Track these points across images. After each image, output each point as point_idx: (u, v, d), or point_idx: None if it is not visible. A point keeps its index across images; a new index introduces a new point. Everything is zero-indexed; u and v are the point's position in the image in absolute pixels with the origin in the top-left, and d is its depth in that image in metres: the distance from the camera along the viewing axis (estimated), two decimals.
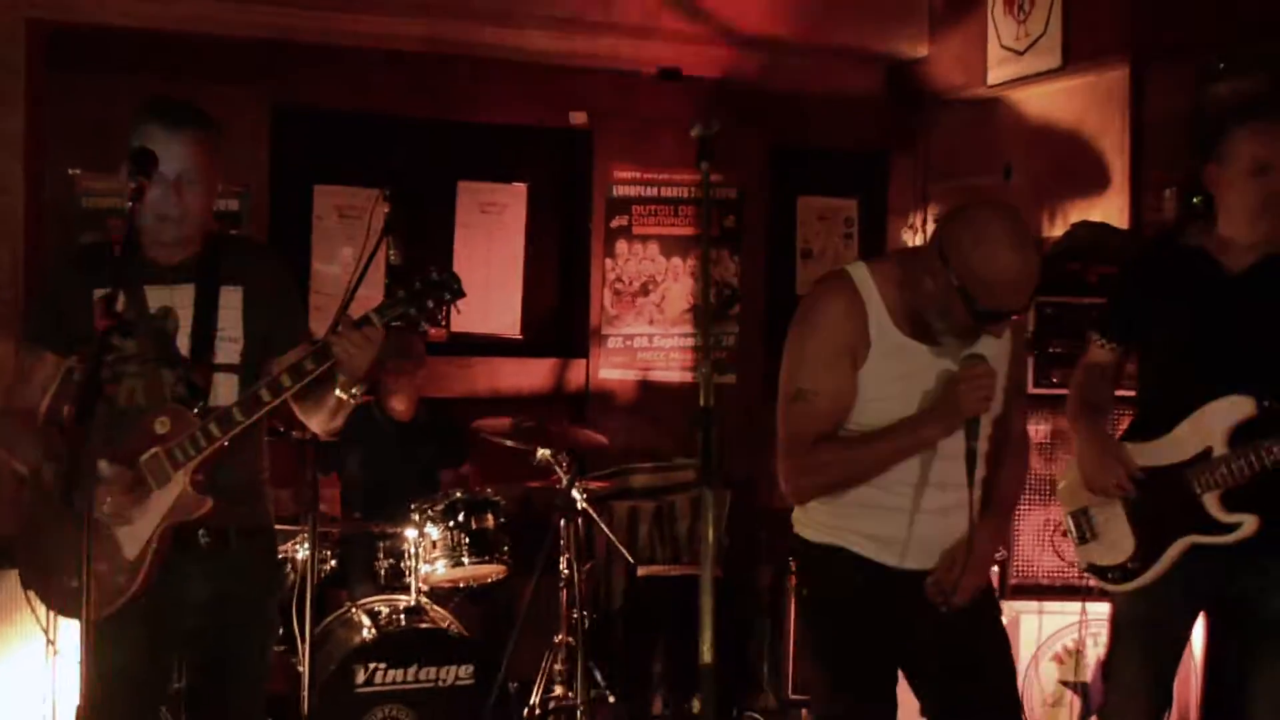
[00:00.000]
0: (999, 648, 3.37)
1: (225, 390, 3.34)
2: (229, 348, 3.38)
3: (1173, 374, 3.70)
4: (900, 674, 3.33)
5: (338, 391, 3.32)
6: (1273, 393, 3.46)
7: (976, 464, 3.05)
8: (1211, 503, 3.53)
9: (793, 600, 4.92)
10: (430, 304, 3.21)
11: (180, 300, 3.35)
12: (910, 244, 7.38)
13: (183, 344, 3.34)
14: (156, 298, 3.33)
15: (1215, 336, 3.54)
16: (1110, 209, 6.05)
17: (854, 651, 3.26)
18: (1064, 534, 4.06)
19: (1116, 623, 3.85)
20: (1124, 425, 4.00)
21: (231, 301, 3.39)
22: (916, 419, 3.06)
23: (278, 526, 4.80)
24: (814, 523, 3.29)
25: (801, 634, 3.51)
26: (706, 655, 2.55)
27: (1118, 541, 3.73)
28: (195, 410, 3.27)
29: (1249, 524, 3.48)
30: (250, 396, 3.25)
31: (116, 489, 3.20)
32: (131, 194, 3.11)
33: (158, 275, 3.35)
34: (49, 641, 2.95)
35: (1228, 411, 3.51)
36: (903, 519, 3.17)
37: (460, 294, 3.26)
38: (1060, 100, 6.50)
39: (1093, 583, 5.29)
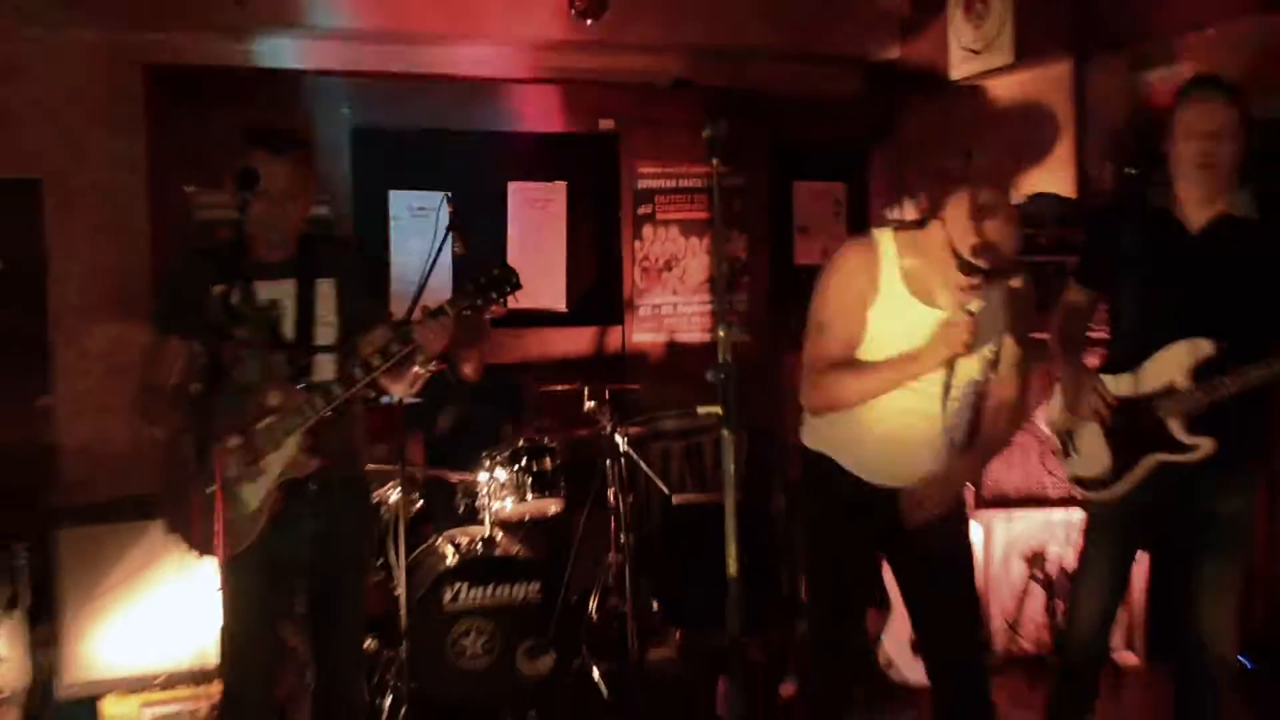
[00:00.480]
0: (964, 563, 3.43)
1: (325, 367, 3.42)
2: (326, 331, 3.45)
3: (1142, 317, 3.68)
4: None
5: (417, 367, 3.42)
6: (1227, 335, 3.46)
7: (950, 398, 3.14)
8: (1176, 427, 3.56)
9: None
10: (494, 295, 3.30)
11: (284, 293, 3.41)
12: (889, 217, 7.44)
13: (288, 330, 3.41)
14: (265, 291, 3.39)
15: (1178, 286, 3.54)
16: (1058, 181, 6.07)
17: (837, 554, 3.36)
18: (1053, 451, 4.03)
19: (1090, 523, 3.88)
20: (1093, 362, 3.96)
21: (326, 292, 3.46)
22: (910, 354, 3.12)
23: (374, 470, 4.99)
24: (813, 435, 3.39)
25: (798, 535, 3.56)
26: (732, 568, 2.63)
27: (1097, 457, 3.75)
28: (301, 386, 3.35)
29: (1207, 445, 3.52)
30: (346, 375, 3.33)
31: (241, 460, 3.31)
32: (238, 206, 3.23)
33: (265, 272, 3.41)
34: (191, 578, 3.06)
35: (1190, 351, 3.51)
36: (886, 447, 3.25)
37: (518, 286, 3.34)
38: (1014, 91, 6.51)
39: (1053, 494, 5.41)
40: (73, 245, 5.89)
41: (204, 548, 3.40)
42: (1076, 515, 4.20)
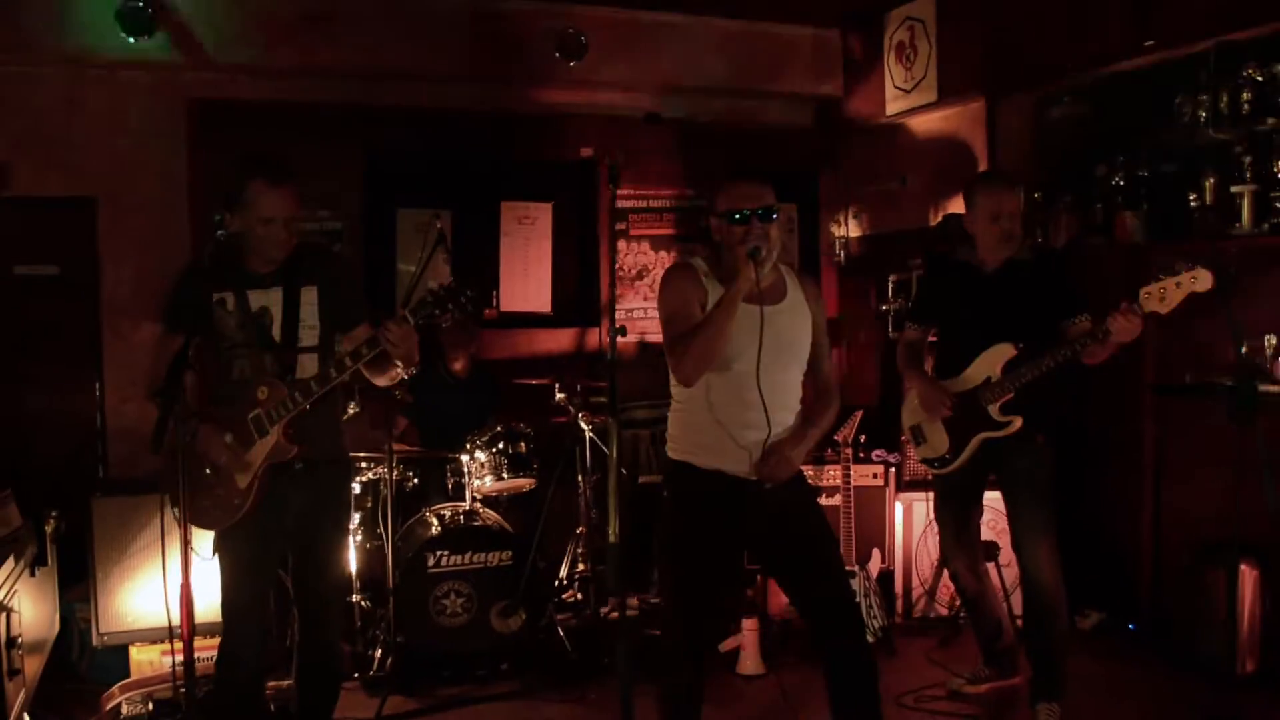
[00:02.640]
0: (820, 525, 3.39)
1: (308, 365, 3.44)
2: (309, 334, 3.46)
3: (958, 336, 4.24)
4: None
5: (397, 367, 3.45)
6: (1024, 341, 4.01)
7: (759, 259, 3.13)
8: (994, 411, 4.09)
9: None
10: (450, 305, 3.27)
11: (272, 300, 3.43)
12: (836, 234, 7.41)
13: (276, 333, 3.43)
14: (256, 299, 3.42)
15: (981, 312, 4.11)
16: None
17: (694, 554, 3.29)
18: (907, 442, 4.59)
19: (938, 492, 4.51)
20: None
21: (309, 298, 3.47)
22: (727, 295, 3.10)
23: (366, 455, 5.00)
24: (676, 446, 3.37)
25: (658, 537, 3.55)
26: (612, 535, 2.62)
27: (938, 442, 4.28)
28: (286, 381, 3.38)
29: (1016, 422, 4.07)
30: (324, 373, 3.36)
31: (232, 453, 3.35)
32: (219, 224, 3.35)
33: (256, 282, 3.43)
34: (190, 546, 3.07)
35: (999, 353, 4.06)
36: (725, 435, 3.22)
37: (469, 298, 3.29)
38: (938, 125, 6.51)
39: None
40: (122, 254, 5.91)
41: (200, 521, 3.42)
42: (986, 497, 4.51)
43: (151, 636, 4.63)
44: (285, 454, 3.38)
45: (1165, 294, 3.63)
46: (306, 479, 3.47)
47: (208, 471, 3.39)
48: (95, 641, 4.64)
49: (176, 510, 3.24)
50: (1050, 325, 4.03)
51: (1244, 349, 4.16)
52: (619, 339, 2.98)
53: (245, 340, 3.42)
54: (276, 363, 3.42)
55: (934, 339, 4.50)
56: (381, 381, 3.60)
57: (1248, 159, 4.64)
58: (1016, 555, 4.24)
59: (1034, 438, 4.09)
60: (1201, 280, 3.57)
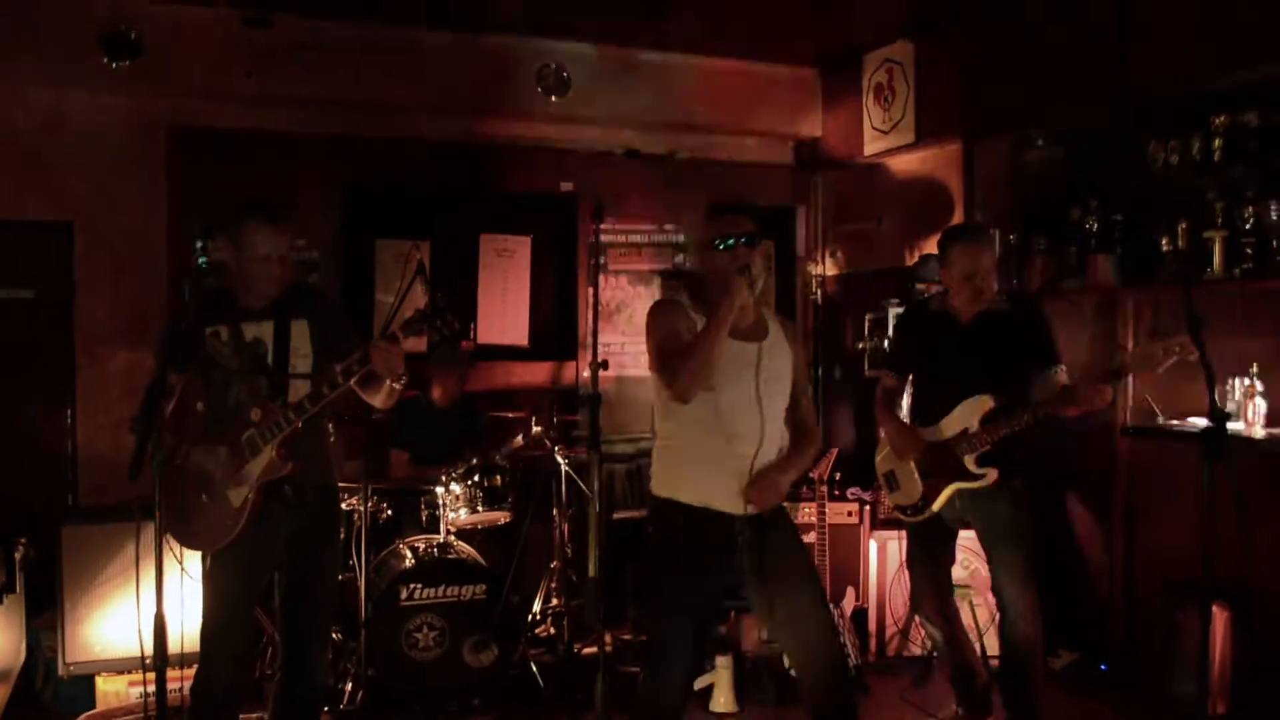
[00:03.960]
0: (801, 562, 3.42)
1: (300, 390, 3.49)
2: (302, 361, 3.54)
3: (934, 386, 4.26)
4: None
5: (390, 382, 3.49)
6: (996, 393, 4.04)
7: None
8: (970, 462, 4.09)
9: None
10: (439, 323, 3.33)
11: (265, 332, 3.53)
12: (813, 272, 7.47)
13: (269, 360, 3.51)
14: (250, 331, 3.52)
15: (956, 364, 4.14)
16: None
17: (677, 592, 3.33)
18: (878, 486, 4.55)
19: (910, 540, 4.49)
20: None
21: (300, 331, 3.56)
22: (719, 313, 3.19)
23: (344, 486, 4.98)
24: (661, 482, 3.40)
25: (640, 574, 3.56)
26: (592, 570, 2.64)
27: (911, 490, 4.28)
28: (279, 403, 3.44)
29: (991, 474, 4.08)
30: (315, 391, 3.41)
31: (228, 466, 3.39)
32: (202, 253, 3.40)
33: (250, 315, 3.54)
34: (182, 569, 3.06)
35: (978, 405, 4.07)
36: (715, 470, 3.27)
37: (453, 317, 3.36)
38: (915, 166, 6.57)
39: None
40: (98, 280, 5.87)
41: (190, 544, 3.48)
42: (960, 536, 4.49)
43: (119, 667, 4.58)
44: (279, 470, 3.42)
45: (1152, 357, 3.73)
46: (298, 504, 3.52)
47: (202, 496, 3.42)
48: (61, 671, 4.59)
49: (169, 535, 3.27)
50: (1026, 376, 4.07)
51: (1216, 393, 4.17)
52: (593, 372, 2.98)
53: (240, 367, 3.49)
54: (270, 387, 3.50)
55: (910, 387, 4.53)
56: (379, 401, 3.66)
57: (1219, 204, 4.72)
58: (995, 598, 4.24)
59: (1012, 481, 4.11)
60: (1188, 348, 3.56)
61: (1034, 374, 4.07)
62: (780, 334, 3.44)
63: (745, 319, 3.32)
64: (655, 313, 3.41)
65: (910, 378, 4.47)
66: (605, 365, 3.23)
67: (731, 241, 3.28)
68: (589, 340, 6.85)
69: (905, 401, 4.58)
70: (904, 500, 4.32)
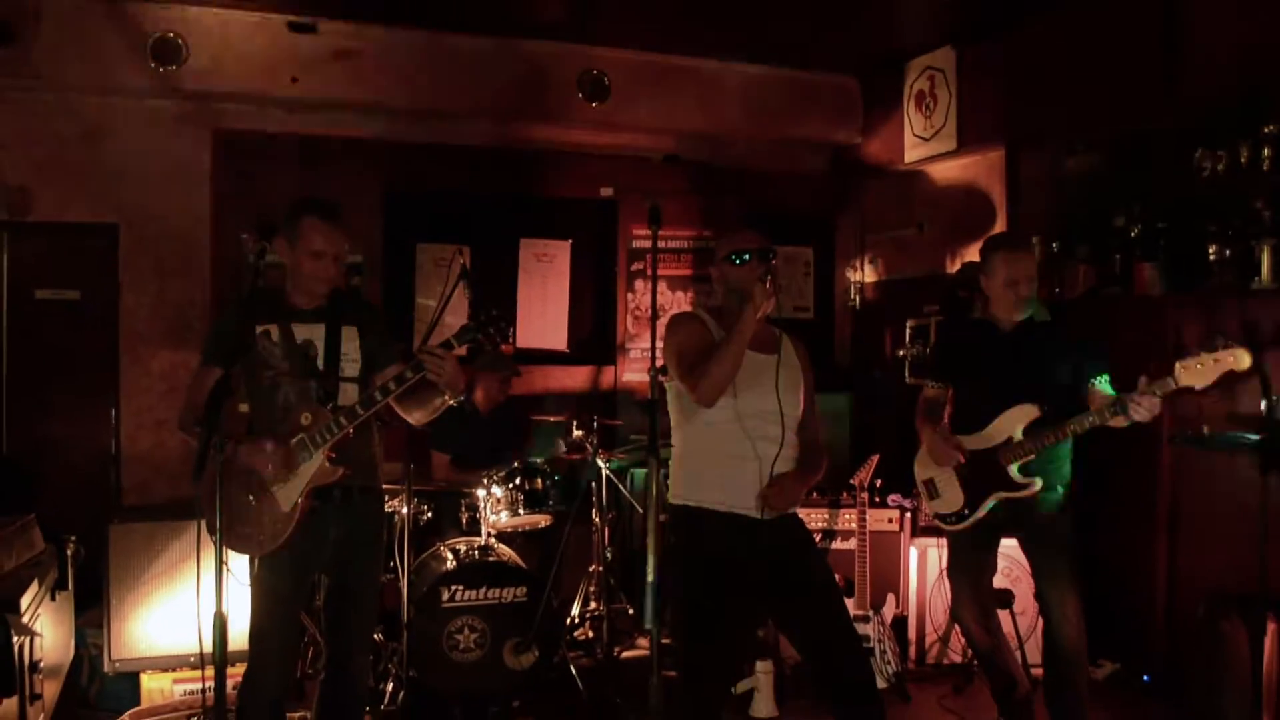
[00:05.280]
0: (820, 568, 3.47)
1: (349, 394, 3.51)
2: (350, 366, 3.55)
3: (976, 395, 4.19)
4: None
5: (446, 396, 3.52)
6: (1045, 403, 3.96)
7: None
8: (1013, 471, 4.01)
9: None
10: (492, 331, 3.38)
11: (315, 334, 3.53)
12: (852, 279, 7.47)
13: (320, 363, 3.51)
14: (300, 332, 3.52)
15: (999, 373, 4.06)
16: None
17: (705, 598, 3.33)
18: (916, 494, 4.51)
19: (951, 548, 4.41)
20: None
21: (350, 335, 3.57)
22: (741, 320, 3.23)
23: (387, 487, 5.00)
24: (681, 488, 3.42)
25: (670, 580, 3.56)
26: (650, 574, 2.64)
27: (952, 498, 4.20)
28: (329, 408, 3.45)
29: (1035, 484, 3.99)
30: (368, 396, 3.42)
31: (276, 460, 3.38)
32: (258, 253, 3.45)
33: (300, 317, 3.54)
34: (229, 571, 3.07)
35: (1022, 414, 3.99)
36: (736, 474, 3.32)
37: (510, 324, 3.45)
38: (956, 173, 6.56)
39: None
40: (142, 281, 5.95)
41: (238, 547, 3.46)
42: (1002, 543, 4.43)
43: (164, 664, 4.61)
44: (330, 476, 3.43)
45: (1203, 369, 3.55)
46: (345, 508, 3.53)
47: (250, 498, 3.42)
48: (107, 668, 4.62)
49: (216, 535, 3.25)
50: (1069, 385, 4.01)
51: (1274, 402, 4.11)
52: (652, 378, 2.99)
53: (290, 370, 3.49)
54: (320, 390, 3.50)
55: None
56: (418, 416, 3.67)
57: (1267, 213, 4.69)
58: (1040, 607, 4.19)
59: (1055, 490, 4.06)
60: (1240, 359, 3.49)
61: (1079, 383, 4.00)
62: (793, 354, 3.51)
63: (761, 333, 3.34)
64: (675, 323, 3.48)
65: (952, 387, 4.40)
66: (665, 370, 3.23)
67: (747, 256, 3.37)
68: (626, 344, 6.95)
69: (947, 411, 4.51)
70: (945, 508, 4.25)
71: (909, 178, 6.90)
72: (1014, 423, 4.00)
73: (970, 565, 4.32)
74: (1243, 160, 4.77)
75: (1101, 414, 3.82)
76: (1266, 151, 4.67)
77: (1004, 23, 5.86)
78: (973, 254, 6.13)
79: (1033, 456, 3.97)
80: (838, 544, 5.23)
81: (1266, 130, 4.67)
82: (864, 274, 7.41)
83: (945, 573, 4.60)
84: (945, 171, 6.64)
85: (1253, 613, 4.22)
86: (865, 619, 5.07)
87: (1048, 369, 4.03)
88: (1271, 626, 4.47)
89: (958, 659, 5.41)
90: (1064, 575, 4.06)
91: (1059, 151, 5.85)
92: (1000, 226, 6.07)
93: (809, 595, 3.35)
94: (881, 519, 5.48)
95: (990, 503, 4.08)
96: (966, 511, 4.15)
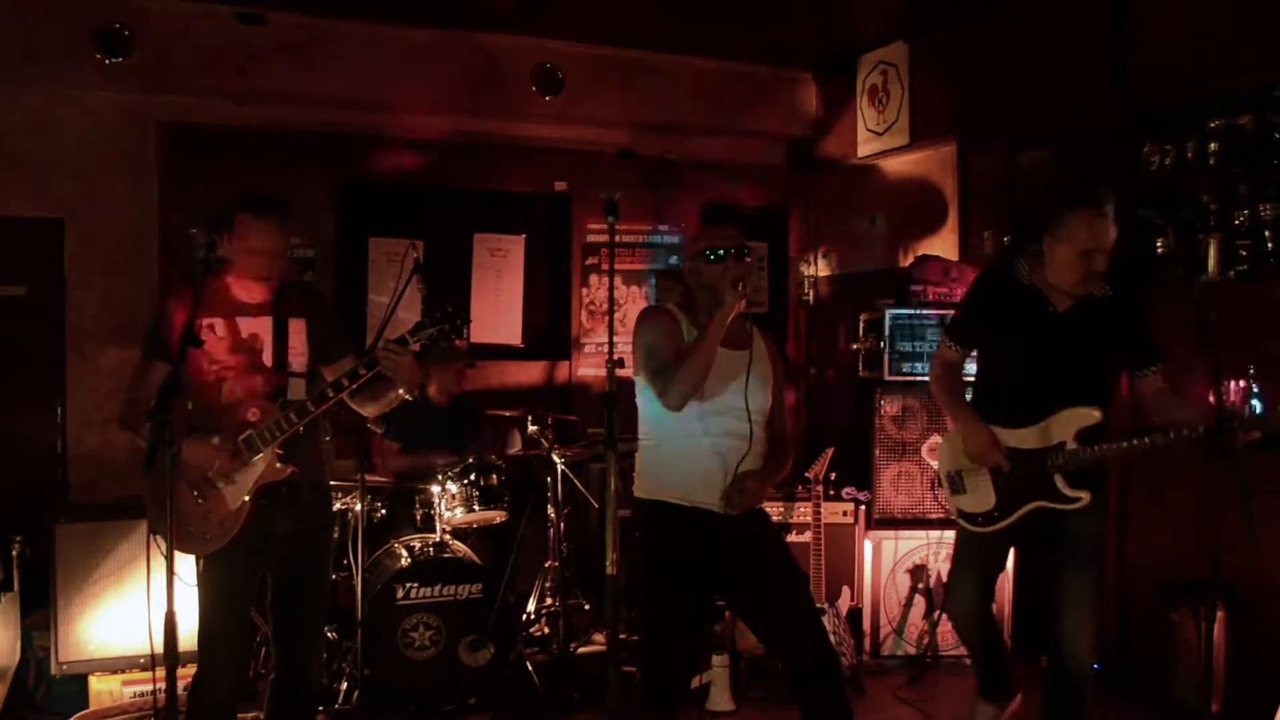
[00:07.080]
0: (786, 561, 3.42)
1: (296, 389, 3.45)
2: (298, 360, 3.50)
3: (1016, 378, 3.72)
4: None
5: (401, 390, 3.48)
6: (1094, 400, 3.55)
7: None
8: (1060, 480, 3.61)
9: None
10: (446, 327, 3.33)
11: (262, 328, 3.47)
12: (805, 273, 7.49)
13: (267, 358, 3.46)
14: (246, 326, 3.46)
15: (1048, 358, 3.60)
16: (945, 245, 6.15)
17: (667, 593, 3.32)
18: (935, 483, 4.07)
19: (960, 548, 3.99)
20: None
21: (297, 329, 3.52)
22: (716, 318, 3.22)
23: (338, 484, 4.94)
24: (645, 485, 3.40)
25: (630, 574, 3.55)
26: (610, 568, 2.63)
27: (982, 499, 3.78)
28: (277, 403, 3.39)
29: (1086, 497, 3.60)
30: (320, 392, 3.37)
31: (223, 457, 3.32)
32: (206, 247, 3.35)
33: (246, 310, 3.48)
34: (173, 572, 2.99)
35: (1081, 417, 3.57)
36: (702, 470, 3.29)
37: (466, 320, 3.41)
38: (909, 167, 6.59)
39: (933, 516, 5.47)
40: (89, 277, 5.84)
41: (183, 546, 3.38)
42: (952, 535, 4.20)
43: (113, 666, 4.55)
44: (278, 475, 3.39)
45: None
46: (292, 505, 3.47)
47: (196, 495, 3.36)
48: (54, 670, 4.55)
49: (158, 538, 3.19)
50: (1116, 375, 3.68)
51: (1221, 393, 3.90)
52: (610, 372, 2.97)
53: (235, 364, 3.43)
54: (267, 385, 3.44)
55: (976, 368, 3.99)
56: (371, 409, 3.62)
57: (1213, 207, 4.75)
58: (1056, 624, 3.69)
59: (1101, 502, 3.68)
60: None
61: (1129, 375, 3.65)
62: (763, 347, 3.48)
63: (732, 328, 3.31)
64: (644, 319, 3.42)
65: (977, 356, 3.92)
66: (621, 364, 3.20)
67: (722, 253, 3.31)
68: (581, 339, 6.93)
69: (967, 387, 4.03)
70: (971, 507, 3.82)
71: (863, 172, 6.93)
72: (1069, 426, 3.59)
73: (982, 566, 3.97)
74: (1190, 154, 4.83)
75: (1181, 433, 3.41)
76: (1213, 146, 4.73)
77: (956, 17, 5.89)
78: (926, 247, 6.18)
79: (1083, 468, 3.58)
80: (793, 537, 5.24)
81: (1213, 125, 4.73)
82: (818, 268, 7.43)
83: (950, 571, 4.15)
84: (898, 166, 6.67)
85: (1202, 601, 4.24)
86: (821, 612, 5.08)
87: (1099, 356, 3.60)
88: (1220, 614, 4.53)
89: (912, 650, 5.46)
90: (1093, 590, 3.67)
91: (1011, 146, 5.89)
92: (953, 221, 6.11)
93: (772, 587, 3.34)
94: (836, 512, 5.50)
95: (1025, 510, 3.71)
96: (997, 515, 3.76)
